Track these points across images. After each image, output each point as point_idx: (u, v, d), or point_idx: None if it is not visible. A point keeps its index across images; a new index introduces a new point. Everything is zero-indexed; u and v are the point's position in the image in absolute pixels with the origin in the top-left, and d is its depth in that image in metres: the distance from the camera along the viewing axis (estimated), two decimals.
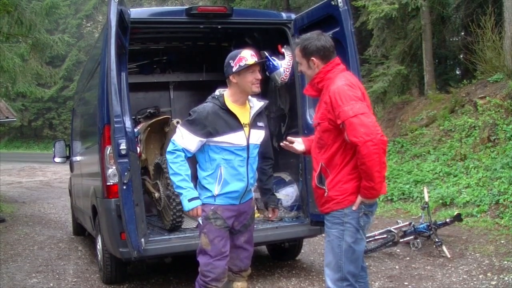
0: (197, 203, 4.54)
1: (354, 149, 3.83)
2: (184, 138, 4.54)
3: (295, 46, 4.37)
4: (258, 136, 4.78)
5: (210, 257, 4.62)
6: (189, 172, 4.57)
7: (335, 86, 3.92)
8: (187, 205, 4.54)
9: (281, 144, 4.70)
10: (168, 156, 4.57)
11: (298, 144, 4.59)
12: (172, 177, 4.57)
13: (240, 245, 4.89)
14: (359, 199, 3.93)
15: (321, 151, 4.09)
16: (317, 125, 4.13)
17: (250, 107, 4.78)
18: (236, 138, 4.58)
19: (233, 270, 4.94)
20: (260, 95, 8.32)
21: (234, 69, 4.59)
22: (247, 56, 4.60)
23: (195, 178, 4.75)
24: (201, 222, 4.71)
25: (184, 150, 4.54)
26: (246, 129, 4.67)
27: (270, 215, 5.20)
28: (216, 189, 4.61)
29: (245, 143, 4.64)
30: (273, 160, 5.17)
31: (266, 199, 5.17)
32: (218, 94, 4.74)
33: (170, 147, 4.59)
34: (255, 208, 5.17)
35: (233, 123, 4.60)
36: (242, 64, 4.57)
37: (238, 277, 4.97)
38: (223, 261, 4.66)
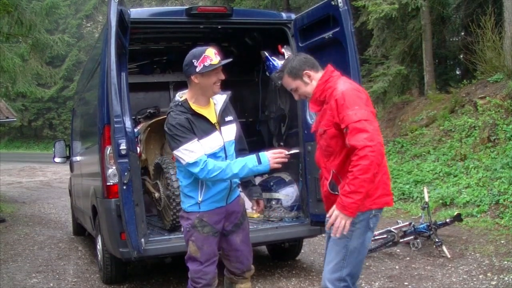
0: (264, 158, 4.24)
1: None
2: (194, 151, 4.26)
3: (280, 79, 4.20)
4: (230, 132, 4.59)
5: (200, 263, 4.51)
6: (231, 162, 4.33)
7: (339, 90, 3.87)
8: (263, 167, 4.25)
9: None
10: (206, 175, 4.24)
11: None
12: (230, 176, 4.29)
13: (236, 247, 4.74)
14: (334, 210, 3.78)
15: (330, 159, 4.01)
16: (323, 133, 4.02)
17: (214, 104, 4.57)
18: (212, 141, 4.40)
19: (235, 273, 4.83)
20: (260, 95, 8.39)
21: (198, 69, 4.28)
22: (212, 55, 4.32)
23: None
24: (186, 230, 4.58)
25: (204, 160, 4.24)
26: (218, 127, 4.50)
27: (254, 208, 4.93)
28: (199, 196, 4.45)
29: (222, 143, 4.47)
30: (247, 150, 4.87)
31: (247, 191, 4.93)
32: (180, 99, 4.51)
33: (196, 170, 4.24)
34: (244, 204, 5.00)
35: (206, 127, 4.41)
36: (207, 64, 4.27)
37: (241, 279, 4.86)
38: (213, 266, 4.56)
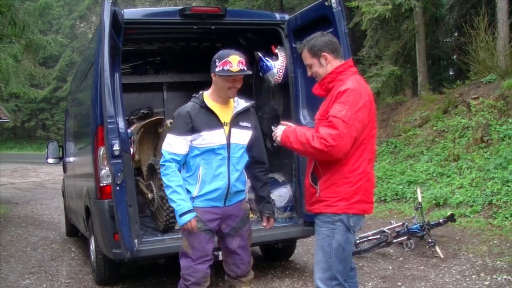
0: (188, 217, 4.42)
1: (353, 152, 3.86)
2: (171, 144, 4.49)
3: (300, 50, 4.25)
4: (241, 136, 4.66)
5: (192, 260, 4.55)
6: (181, 183, 4.49)
7: (345, 87, 3.90)
8: (179, 221, 4.47)
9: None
10: (161, 169, 4.56)
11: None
12: (165, 190, 4.54)
13: (233, 250, 4.78)
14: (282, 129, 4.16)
15: None
16: (317, 122, 4.08)
17: (234, 106, 4.69)
18: (213, 136, 4.50)
19: (231, 276, 4.87)
20: (254, 96, 8.38)
21: (216, 70, 4.48)
22: (234, 62, 4.45)
23: None
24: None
25: (172, 159, 4.47)
26: (227, 127, 4.57)
27: (264, 224, 5.00)
28: (195, 191, 4.54)
29: (224, 141, 4.54)
30: (267, 165, 4.98)
31: (260, 207, 4.99)
32: (199, 93, 4.70)
33: (161, 159, 4.56)
34: (249, 210, 5.01)
35: (211, 121, 4.52)
36: (225, 68, 4.44)
37: (238, 282, 4.87)
38: (204, 265, 4.58)
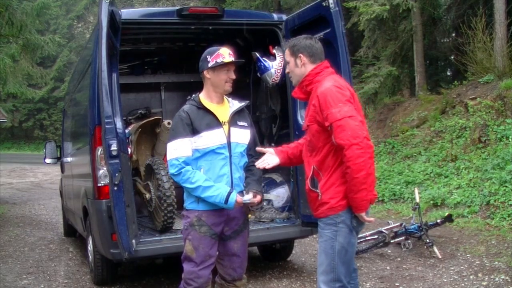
0: (232, 199, 4.35)
1: None
2: (177, 149, 4.40)
3: (285, 47, 4.34)
4: (241, 135, 4.65)
5: (195, 264, 4.50)
6: (205, 177, 4.40)
7: (323, 88, 3.91)
8: (228, 206, 4.40)
9: (256, 164, 4.51)
10: (177, 179, 4.43)
11: (271, 156, 4.49)
12: (195, 194, 4.41)
13: (232, 253, 4.72)
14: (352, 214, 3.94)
15: (312, 154, 4.06)
16: (307, 128, 4.11)
17: (230, 106, 4.69)
18: (214, 136, 4.48)
19: (226, 279, 4.81)
20: (252, 96, 8.39)
21: (210, 64, 4.50)
22: (225, 54, 4.53)
23: None
24: (185, 228, 4.61)
25: (184, 162, 4.38)
26: (226, 127, 4.56)
27: (251, 198, 4.62)
28: None
29: (225, 141, 4.52)
30: (255, 157, 4.78)
31: (247, 183, 4.72)
32: (194, 95, 4.69)
33: (171, 170, 4.43)
34: (248, 212, 4.97)
35: (211, 121, 4.51)
36: (219, 60, 4.49)
37: (231, 286, 4.82)
38: (207, 270, 4.54)
